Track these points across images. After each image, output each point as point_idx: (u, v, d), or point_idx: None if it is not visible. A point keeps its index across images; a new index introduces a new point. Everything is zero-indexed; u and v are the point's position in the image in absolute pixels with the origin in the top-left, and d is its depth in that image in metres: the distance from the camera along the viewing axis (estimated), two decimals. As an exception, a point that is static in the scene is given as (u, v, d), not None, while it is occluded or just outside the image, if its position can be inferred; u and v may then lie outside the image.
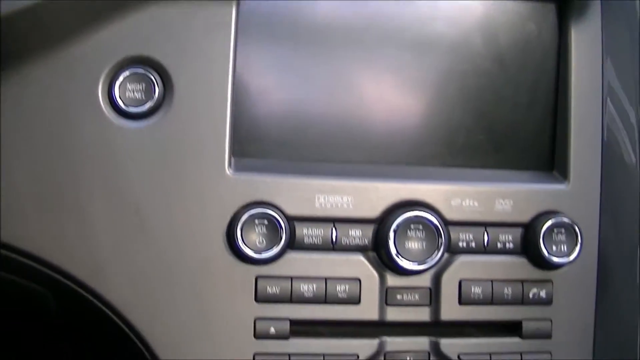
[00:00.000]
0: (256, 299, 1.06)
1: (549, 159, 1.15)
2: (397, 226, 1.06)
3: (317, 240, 1.06)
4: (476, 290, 1.10)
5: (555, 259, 1.10)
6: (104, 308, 1.04)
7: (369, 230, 1.08)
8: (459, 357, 1.10)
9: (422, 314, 1.10)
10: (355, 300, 1.07)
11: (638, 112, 1.18)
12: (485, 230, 1.11)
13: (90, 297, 1.04)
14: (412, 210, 1.06)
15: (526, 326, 1.12)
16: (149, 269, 1.04)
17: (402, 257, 1.06)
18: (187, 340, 1.04)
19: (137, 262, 1.03)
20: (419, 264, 1.06)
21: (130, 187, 1.03)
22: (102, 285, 1.03)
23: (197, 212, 1.04)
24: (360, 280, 1.07)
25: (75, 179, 1.02)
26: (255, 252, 1.03)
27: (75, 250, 1.02)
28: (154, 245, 1.03)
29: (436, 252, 1.06)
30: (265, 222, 1.04)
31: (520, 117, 1.14)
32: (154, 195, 1.03)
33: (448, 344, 1.10)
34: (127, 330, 1.04)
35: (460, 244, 1.10)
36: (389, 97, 1.11)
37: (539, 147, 1.15)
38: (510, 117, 1.14)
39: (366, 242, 1.08)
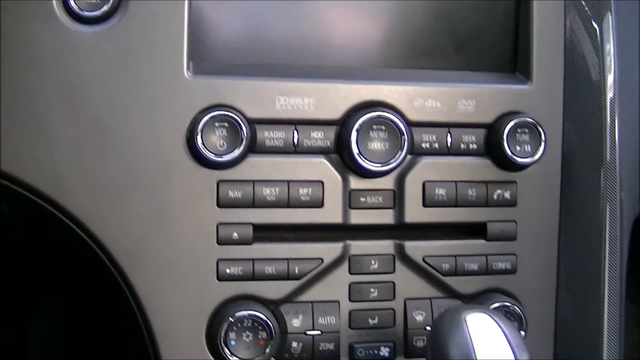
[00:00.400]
0: (218, 204, 1.05)
1: (512, 60, 1.15)
2: (360, 127, 1.05)
3: (279, 143, 1.05)
4: (440, 191, 1.09)
5: (519, 159, 1.09)
6: (64, 218, 1.03)
7: (331, 132, 1.07)
8: (423, 259, 1.10)
9: (386, 217, 1.10)
10: (318, 203, 1.06)
11: (600, 15, 1.17)
12: (449, 132, 1.10)
13: (50, 208, 1.02)
14: (375, 110, 1.05)
15: (491, 228, 1.12)
16: (109, 176, 1.02)
17: (365, 158, 1.05)
18: (150, 248, 1.03)
19: (97, 170, 1.02)
20: (381, 165, 1.05)
21: (88, 94, 1.01)
22: (62, 195, 1.02)
23: (157, 117, 1.03)
24: (323, 183, 1.07)
25: (32, 87, 1.00)
26: (216, 155, 1.02)
27: (34, 160, 1.00)
28: (113, 152, 1.02)
29: (399, 152, 1.05)
30: (226, 124, 1.02)
31: (483, 18, 1.13)
32: (112, 101, 1.02)
33: (413, 247, 1.10)
34: (88, 240, 1.03)
35: (424, 145, 1.09)
36: (350, -2, 1.09)
37: (501, 48, 1.14)
38: (473, 18, 1.13)
39: (328, 144, 1.06)
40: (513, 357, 0.89)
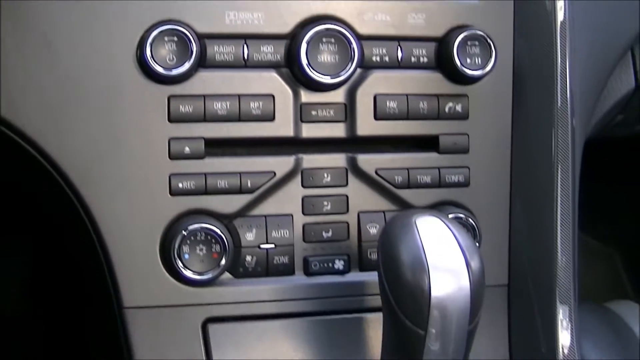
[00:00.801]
0: (169, 119, 1.05)
1: (462, -26, 1.14)
2: (309, 39, 1.05)
3: (229, 58, 1.05)
4: (391, 104, 1.10)
5: (469, 72, 1.10)
6: (16, 138, 1.02)
7: (281, 46, 1.07)
8: (376, 172, 1.10)
9: (338, 130, 1.10)
10: (269, 116, 1.07)
11: None
12: (399, 45, 1.10)
13: (2, 127, 1.02)
14: (324, 24, 1.05)
15: (443, 141, 1.13)
16: (59, 94, 1.02)
17: (315, 70, 1.05)
18: (101, 164, 1.03)
19: (48, 89, 1.02)
20: (331, 77, 1.06)
21: (36, 12, 1.00)
22: (12, 113, 1.01)
23: (106, 33, 1.03)
24: (274, 97, 1.07)
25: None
26: (165, 69, 1.02)
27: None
28: (63, 70, 1.02)
29: (349, 64, 1.06)
30: (175, 38, 1.02)
31: None
32: (61, 19, 1.01)
33: (365, 160, 1.11)
34: (40, 158, 1.03)
35: (374, 58, 1.09)
36: None
37: (452, -38, 1.14)
38: None
39: (278, 57, 1.07)
40: (464, 260, 0.89)
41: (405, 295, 0.88)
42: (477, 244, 1.12)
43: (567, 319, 1.12)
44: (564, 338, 1.12)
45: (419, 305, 0.87)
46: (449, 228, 0.90)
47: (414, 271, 0.87)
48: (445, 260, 0.88)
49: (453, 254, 0.89)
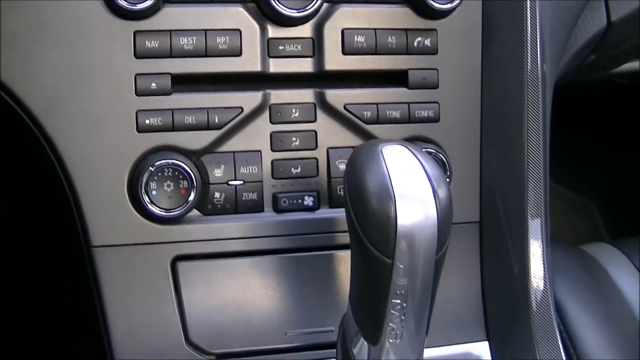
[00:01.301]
0: (135, 55, 1.04)
1: None
2: (275, -28, 1.04)
3: None
4: (359, 39, 1.09)
5: (437, 5, 1.09)
6: None
7: None
8: (345, 107, 1.10)
9: (306, 65, 1.10)
10: (236, 52, 1.06)
11: None
12: (367, -21, 1.09)
13: None
14: None
15: (412, 76, 1.12)
16: (23, 29, 1.01)
17: (281, 4, 1.04)
18: (67, 100, 1.03)
19: (11, 23, 1.00)
20: (298, 11, 1.05)
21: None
22: None
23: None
24: (240, 31, 1.06)
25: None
26: (130, 3, 1.01)
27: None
28: (26, 5, 1.01)
29: (316, -3, 1.04)
30: None
31: None
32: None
33: (333, 95, 1.10)
34: (3, 94, 1.01)
35: None
36: None
37: None
38: None
39: None
40: (430, 188, 0.88)
41: (371, 224, 0.87)
42: (448, 180, 1.11)
43: (539, 253, 1.12)
44: (536, 270, 1.12)
45: (386, 233, 0.87)
46: (416, 157, 0.89)
47: (380, 199, 0.86)
48: (412, 189, 0.87)
49: (420, 182, 0.88)
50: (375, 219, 0.87)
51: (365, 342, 0.94)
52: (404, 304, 0.90)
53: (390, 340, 0.92)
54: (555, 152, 1.18)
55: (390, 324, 0.91)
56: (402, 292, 0.89)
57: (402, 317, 0.91)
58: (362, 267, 0.91)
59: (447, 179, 1.11)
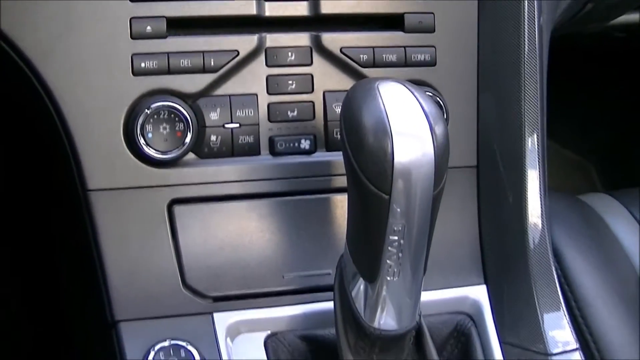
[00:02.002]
0: None
1: None
2: None
3: None
4: None
5: None
6: None
7: None
8: (341, 50, 1.09)
9: (302, 9, 1.10)
10: None
11: None
12: None
13: None
14: None
15: (408, 19, 1.11)
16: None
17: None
18: (61, 45, 1.02)
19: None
20: (293, -47, 1.04)
21: None
22: None
23: None
24: None
25: None
26: None
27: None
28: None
29: None
30: None
31: None
32: None
33: (330, 38, 1.09)
34: (3, 44, 1.01)
35: None
36: None
37: None
38: None
39: None
40: (427, 125, 0.88)
41: (368, 160, 0.87)
42: (446, 122, 1.10)
43: (537, 198, 1.12)
44: (534, 215, 1.12)
45: (383, 169, 0.86)
46: (413, 94, 0.89)
47: (377, 135, 0.86)
48: (409, 125, 0.87)
49: (417, 118, 0.88)
50: (372, 155, 0.86)
51: (362, 281, 0.94)
52: (401, 241, 0.90)
53: (388, 278, 0.92)
54: (551, 110, 1.17)
55: (388, 261, 0.91)
56: (399, 228, 0.89)
57: (400, 255, 0.91)
58: (359, 205, 0.91)
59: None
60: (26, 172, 1.52)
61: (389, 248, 0.91)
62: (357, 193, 0.91)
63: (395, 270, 0.92)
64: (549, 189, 1.17)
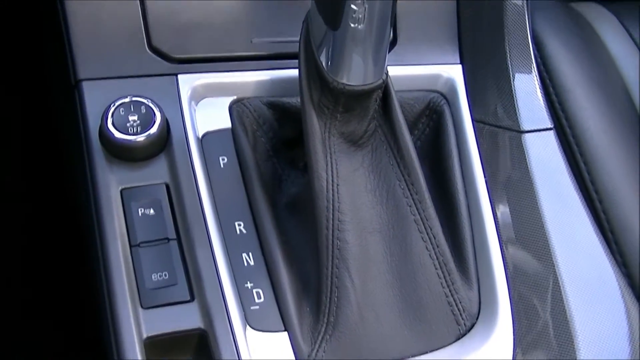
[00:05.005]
0: None
1: None
2: None
3: None
4: None
5: None
6: None
7: None
8: None
9: None
10: None
11: None
12: None
13: None
14: None
15: None
16: None
17: None
18: None
19: None
20: None
21: None
22: None
23: None
24: None
25: None
26: None
27: None
28: None
29: None
30: None
31: None
32: None
33: None
34: None
35: None
36: None
37: None
38: None
39: None
40: None
41: None
42: None
43: None
44: None
45: None
46: None
47: None
48: None
49: None
50: None
51: (327, 32, 0.91)
52: (366, -17, 0.86)
53: (352, 25, 0.89)
54: None
55: (352, 6, 0.88)
56: (364, -33, 0.85)
57: (364, -1, 0.87)
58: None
59: None
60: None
61: (353, -10, 0.87)
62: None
63: (360, 16, 0.88)
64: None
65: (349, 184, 0.96)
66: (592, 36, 1.27)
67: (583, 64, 1.19)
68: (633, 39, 1.30)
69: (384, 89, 0.96)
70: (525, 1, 1.10)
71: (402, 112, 1.01)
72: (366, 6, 0.87)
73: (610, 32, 1.30)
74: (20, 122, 1.59)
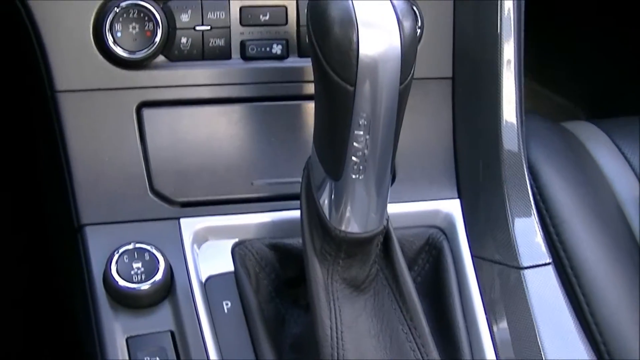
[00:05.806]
0: None
1: None
2: None
3: None
4: None
5: None
6: None
7: None
8: None
9: None
10: None
11: None
12: None
13: None
14: None
15: None
16: None
17: None
18: None
19: None
20: None
21: None
22: None
23: None
24: None
25: None
26: None
27: None
28: None
29: None
30: None
31: None
32: None
33: None
34: None
35: None
36: None
37: None
38: None
39: None
40: (395, 18, 0.86)
41: (333, 49, 0.85)
42: (419, 31, 1.09)
43: (513, 110, 1.10)
44: (509, 127, 1.10)
45: (347, 59, 0.85)
46: None
47: (342, 24, 0.84)
48: (375, 17, 0.85)
49: (384, 11, 0.86)
50: (337, 45, 0.85)
51: (328, 182, 0.93)
52: (367, 137, 0.88)
53: (353, 176, 0.91)
54: (542, 55, 1.15)
55: (353, 158, 0.89)
56: (365, 123, 0.87)
57: (365, 152, 0.89)
58: (325, 98, 0.89)
59: (419, 30, 1.09)
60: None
61: (354, 144, 0.89)
62: (323, 86, 0.89)
63: (361, 167, 0.90)
64: (531, 113, 1.15)
65: (353, 330, 0.96)
66: (585, 158, 1.29)
67: (578, 191, 1.21)
68: (625, 157, 1.33)
69: (385, 233, 0.97)
70: (517, 128, 1.11)
71: (402, 249, 1.02)
72: (367, 159, 0.89)
73: (603, 151, 1.33)
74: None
